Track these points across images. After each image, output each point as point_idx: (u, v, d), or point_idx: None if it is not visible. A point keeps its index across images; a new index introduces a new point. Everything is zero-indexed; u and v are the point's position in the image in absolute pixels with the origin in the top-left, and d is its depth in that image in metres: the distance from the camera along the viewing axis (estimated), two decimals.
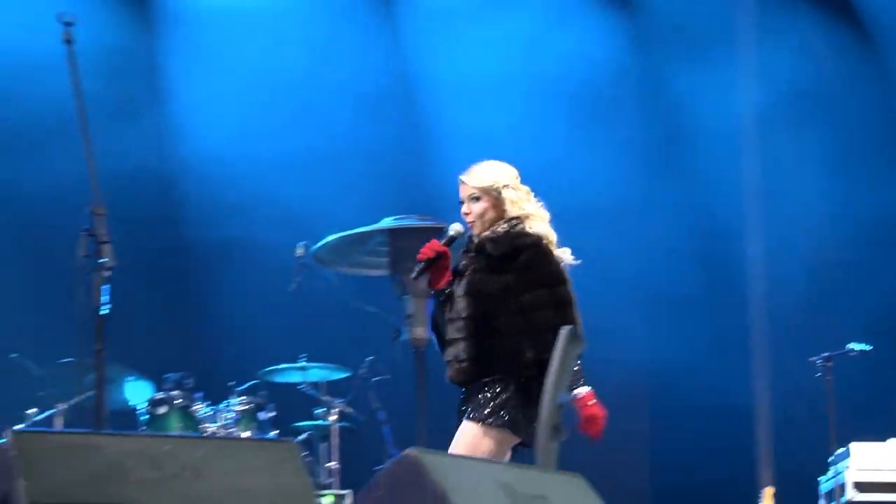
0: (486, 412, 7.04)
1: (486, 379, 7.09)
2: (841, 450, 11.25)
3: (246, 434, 9.62)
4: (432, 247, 7.26)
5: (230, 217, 11.47)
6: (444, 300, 7.35)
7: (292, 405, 10.93)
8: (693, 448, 13.18)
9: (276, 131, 13.12)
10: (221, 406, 9.92)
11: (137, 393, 10.32)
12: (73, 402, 10.01)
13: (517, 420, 7.02)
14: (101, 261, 6.83)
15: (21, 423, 10.03)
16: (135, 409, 10.06)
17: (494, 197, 7.15)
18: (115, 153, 10.44)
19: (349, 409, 10.60)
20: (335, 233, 8.61)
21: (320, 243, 8.73)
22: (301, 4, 14.04)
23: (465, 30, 14.76)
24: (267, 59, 13.35)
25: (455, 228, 7.37)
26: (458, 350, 7.23)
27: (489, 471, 4.33)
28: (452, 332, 7.26)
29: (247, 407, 9.92)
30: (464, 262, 7.29)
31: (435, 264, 7.26)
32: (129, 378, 10.46)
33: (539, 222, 7.22)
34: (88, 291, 7.03)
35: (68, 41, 7.19)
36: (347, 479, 9.87)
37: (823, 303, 14.78)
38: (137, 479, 3.98)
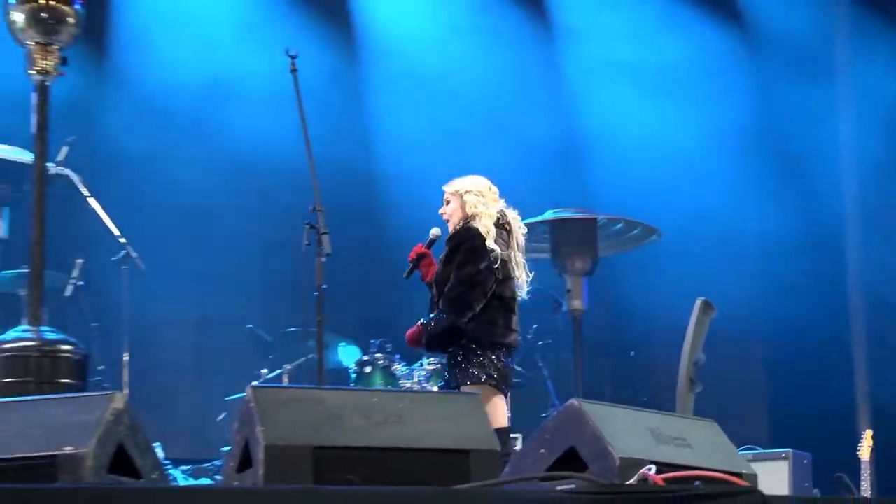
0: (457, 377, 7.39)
1: (450, 349, 7.43)
2: None
3: (435, 389, 9.59)
4: (416, 250, 7.70)
5: (421, 208, 11.39)
6: (433, 287, 7.58)
7: None
8: (802, 394, 12.87)
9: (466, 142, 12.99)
10: (415, 366, 9.92)
11: (348, 355, 10.38)
12: (297, 363, 10.11)
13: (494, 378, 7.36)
14: (321, 248, 6.94)
15: (256, 381, 10.10)
16: (346, 369, 10.11)
17: (460, 200, 7.41)
18: (331, 159, 10.33)
19: (519, 368, 10.57)
20: None
21: None
22: (486, 29, 13.64)
23: None
24: (461, 76, 13.22)
25: (434, 232, 7.72)
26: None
27: (638, 417, 4.25)
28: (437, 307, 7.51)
29: (436, 367, 9.90)
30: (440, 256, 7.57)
31: (419, 263, 7.65)
32: (342, 343, 10.55)
33: (485, 219, 7.39)
34: (310, 273, 7.07)
35: (293, 70, 7.22)
36: (517, 425, 9.79)
37: None
38: (351, 426, 3.96)
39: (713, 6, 13.53)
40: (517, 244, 7.56)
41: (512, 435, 9.30)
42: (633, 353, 11.65)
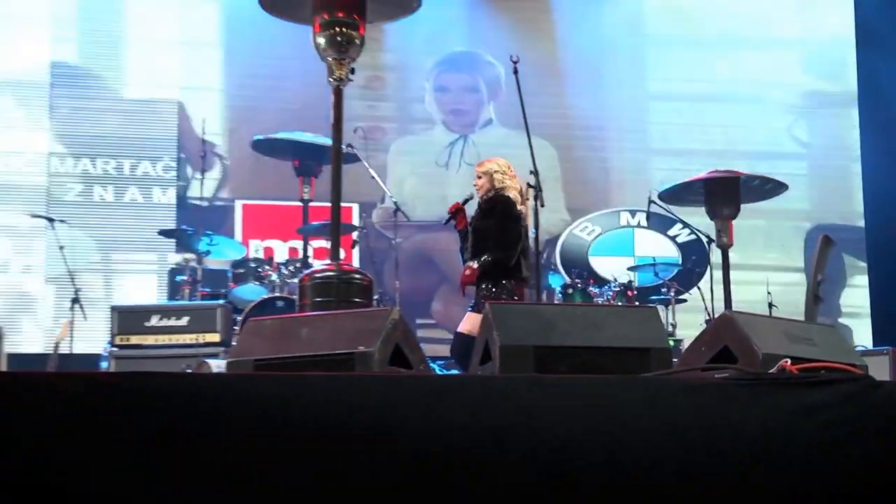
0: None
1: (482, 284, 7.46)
2: None
3: (619, 303, 9.57)
4: (454, 206, 7.72)
5: None
6: (463, 235, 7.68)
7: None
8: None
9: None
10: (605, 288, 9.87)
11: (556, 281, 10.33)
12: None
13: None
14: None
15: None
16: (555, 290, 10.07)
17: (489, 177, 7.57)
18: None
19: (681, 289, 10.48)
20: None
21: (665, 187, 8.67)
22: None
23: None
24: None
25: (469, 194, 7.83)
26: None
27: (776, 323, 4.20)
28: (466, 254, 7.59)
29: (619, 289, 9.87)
30: (473, 215, 7.67)
31: (456, 215, 7.69)
32: (550, 272, 10.51)
33: (511, 191, 7.58)
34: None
35: (515, 72, 7.21)
36: (682, 331, 9.78)
37: None
38: (562, 331, 3.95)
39: None
40: (528, 210, 7.61)
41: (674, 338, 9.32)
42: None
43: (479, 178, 7.69)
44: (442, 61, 12.51)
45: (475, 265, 7.33)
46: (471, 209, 7.77)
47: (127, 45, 11.92)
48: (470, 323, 7.21)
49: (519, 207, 7.59)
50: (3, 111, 11.33)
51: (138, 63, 11.88)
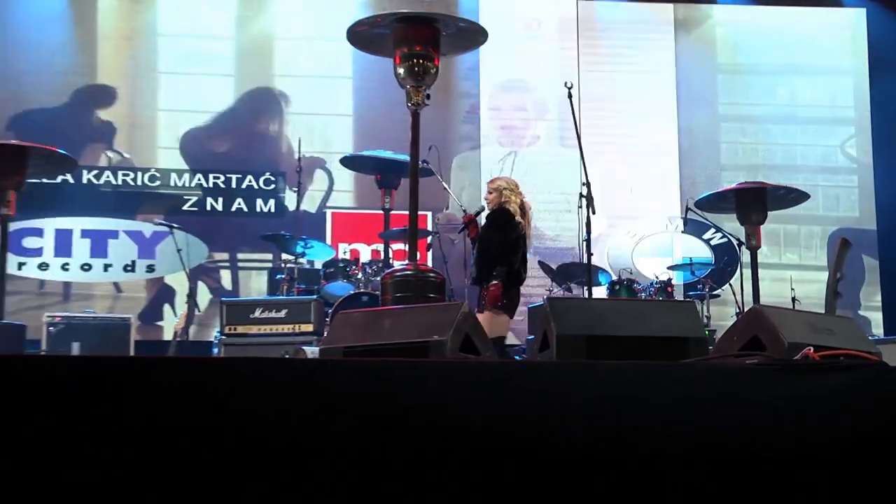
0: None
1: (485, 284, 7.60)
2: None
3: (660, 298, 9.50)
4: (468, 217, 8.02)
5: None
6: (475, 242, 7.81)
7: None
8: None
9: None
10: (647, 285, 9.79)
11: (604, 279, 10.22)
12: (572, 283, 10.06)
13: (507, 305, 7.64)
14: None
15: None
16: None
17: (499, 192, 7.70)
18: None
19: (714, 286, 10.38)
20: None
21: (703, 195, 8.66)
22: None
23: None
24: None
25: (480, 206, 8.13)
26: (476, 273, 7.72)
27: (799, 315, 4.13)
28: (475, 257, 7.77)
29: (659, 286, 9.80)
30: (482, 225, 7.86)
31: (468, 225, 7.89)
32: (601, 272, 10.37)
33: (512, 205, 7.73)
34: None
35: (570, 96, 7.18)
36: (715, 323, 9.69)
37: None
38: (611, 322, 3.93)
39: None
40: (528, 222, 7.90)
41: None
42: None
43: (490, 193, 7.87)
44: (497, 84, 12.51)
45: (497, 281, 7.45)
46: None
47: None
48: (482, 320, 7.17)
49: (517, 219, 7.74)
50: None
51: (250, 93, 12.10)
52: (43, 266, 11.05)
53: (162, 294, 11.27)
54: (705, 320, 9.65)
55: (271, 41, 12.16)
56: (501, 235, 7.68)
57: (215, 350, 8.43)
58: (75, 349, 8.84)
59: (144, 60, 11.83)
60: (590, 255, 7.42)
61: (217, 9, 12.07)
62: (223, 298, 9.04)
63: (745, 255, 8.26)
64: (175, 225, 9.52)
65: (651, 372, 3.09)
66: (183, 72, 11.82)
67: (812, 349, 3.21)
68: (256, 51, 12.15)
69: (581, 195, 7.34)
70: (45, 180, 9.65)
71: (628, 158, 12.36)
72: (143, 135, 11.76)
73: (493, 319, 7.42)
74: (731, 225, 9.04)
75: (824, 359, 3.12)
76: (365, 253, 10.88)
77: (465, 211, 8.96)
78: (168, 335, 10.13)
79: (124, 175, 11.49)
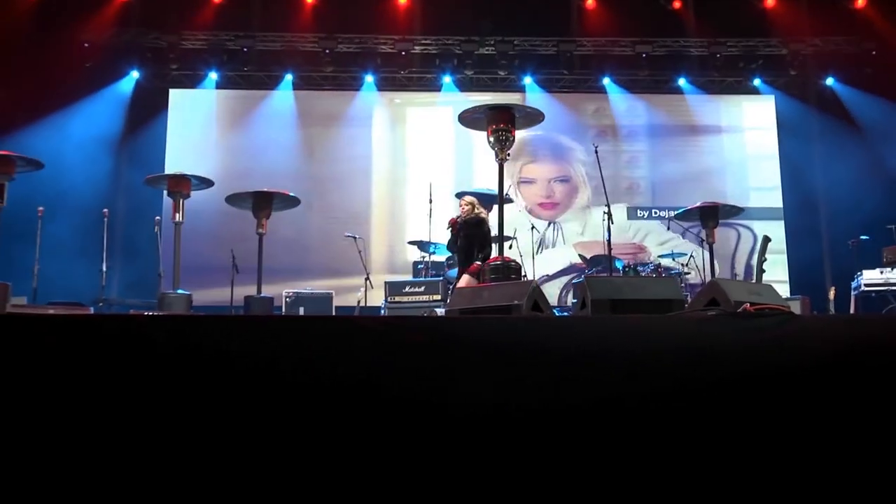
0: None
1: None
2: None
3: (653, 275, 9.21)
4: (452, 220, 7.15)
5: None
6: (455, 238, 7.11)
7: (667, 268, 10.38)
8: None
9: None
10: (647, 268, 9.52)
11: (618, 263, 10.01)
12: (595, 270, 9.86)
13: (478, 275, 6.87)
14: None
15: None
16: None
17: (471, 205, 7.00)
18: None
19: (687, 268, 10.02)
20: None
21: (678, 212, 8.36)
22: None
23: None
24: None
25: (460, 214, 7.19)
26: (460, 256, 7.08)
27: (740, 284, 4.03)
28: (459, 252, 7.06)
29: (654, 267, 9.53)
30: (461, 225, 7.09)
31: (454, 227, 7.10)
32: (616, 259, 10.15)
33: (483, 213, 7.09)
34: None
35: (595, 152, 7.02)
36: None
37: None
38: (626, 290, 3.88)
39: None
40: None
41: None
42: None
43: (464, 205, 7.27)
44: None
45: (478, 262, 6.93)
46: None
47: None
48: (464, 281, 6.87)
49: (488, 223, 7.27)
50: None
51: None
52: None
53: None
54: (683, 288, 9.44)
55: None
56: (487, 234, 7.20)
57: (381, 311, 8.60)
58: (301, 311, 9.08)
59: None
60: (610, 250, 7.40)
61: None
62: (386, 280, 9.14)
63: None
64: (357, 236, 9.70)
65: (649, 321, 3.06)
66: None
67: (749, 305, 3.15)
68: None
69: (604, 212, 7.35)
70: None
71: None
72: None
73: (471, 282, 6.87)
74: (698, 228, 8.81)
75: (757, 311, 3.06)
76: None
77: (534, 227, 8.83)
78: (354, 303, 10.30)
79: None
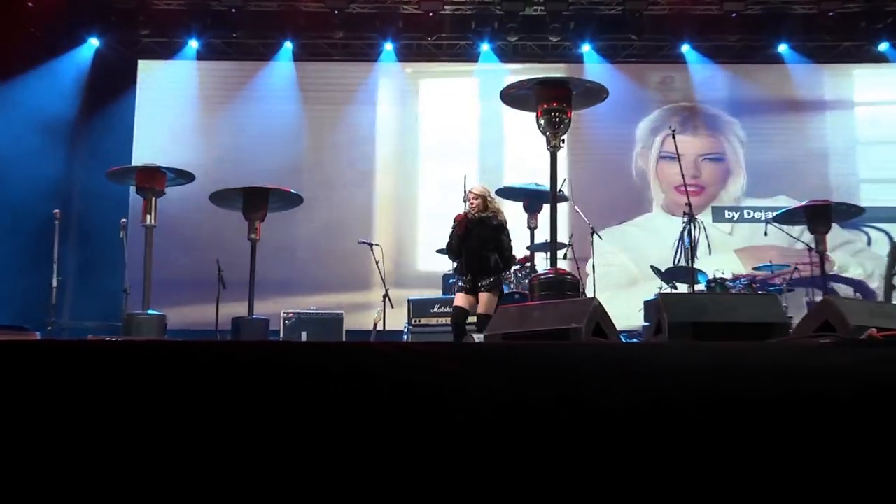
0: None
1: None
2: None
3: (747, 292, 9.20)
4: (459, 216, 7.16)
5: None
6: (462, 240, 7.12)
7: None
8: None
9: None
10: (737, 283, 9.49)
11: (702, 279, 9.93)
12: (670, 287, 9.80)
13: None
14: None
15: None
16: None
17: (482, 198, 7.08)
18: None
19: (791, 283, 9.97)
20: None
21: (777, 213, 8.36)
22: None
23: None
24: None
25: (466, 210, 7.25)
26: (471, 262, 7.09)
27: (862, 304, 4.01)
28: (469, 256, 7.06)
29: (746, 283, 9.53)
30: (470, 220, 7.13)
31: (461, 225, 7.12)
32: (700, 274, 10.07)
33: (496, 206, 7.20)
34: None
35: (672, 136, 6.98)
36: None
37: None
38: (712, 312, 3.87)
39: None
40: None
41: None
42: None
43: (475, 198, 7.21)
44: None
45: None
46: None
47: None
48: (461, 300, 6.99)
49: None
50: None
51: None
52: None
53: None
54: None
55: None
56: (508, 239, 7.19)
57: (405, 337, 8.57)
58: (303, 337, 9.11)
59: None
60: (692, 261, 7.38)
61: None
62: (409, 298, 9.12)
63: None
64: (375, 243, 9.74)
65: (743, 350, 3.03)
66: None
67: (875, 330, 3.12)
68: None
69: (684, 222, 7.40)
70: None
71: None
72: None
73: (492, 300, 6.93)
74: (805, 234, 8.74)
75: (887, 338, 3.02)
76: None
77: (592, 229, 8.85)
78: (369, 326, 10.35)
79: None
